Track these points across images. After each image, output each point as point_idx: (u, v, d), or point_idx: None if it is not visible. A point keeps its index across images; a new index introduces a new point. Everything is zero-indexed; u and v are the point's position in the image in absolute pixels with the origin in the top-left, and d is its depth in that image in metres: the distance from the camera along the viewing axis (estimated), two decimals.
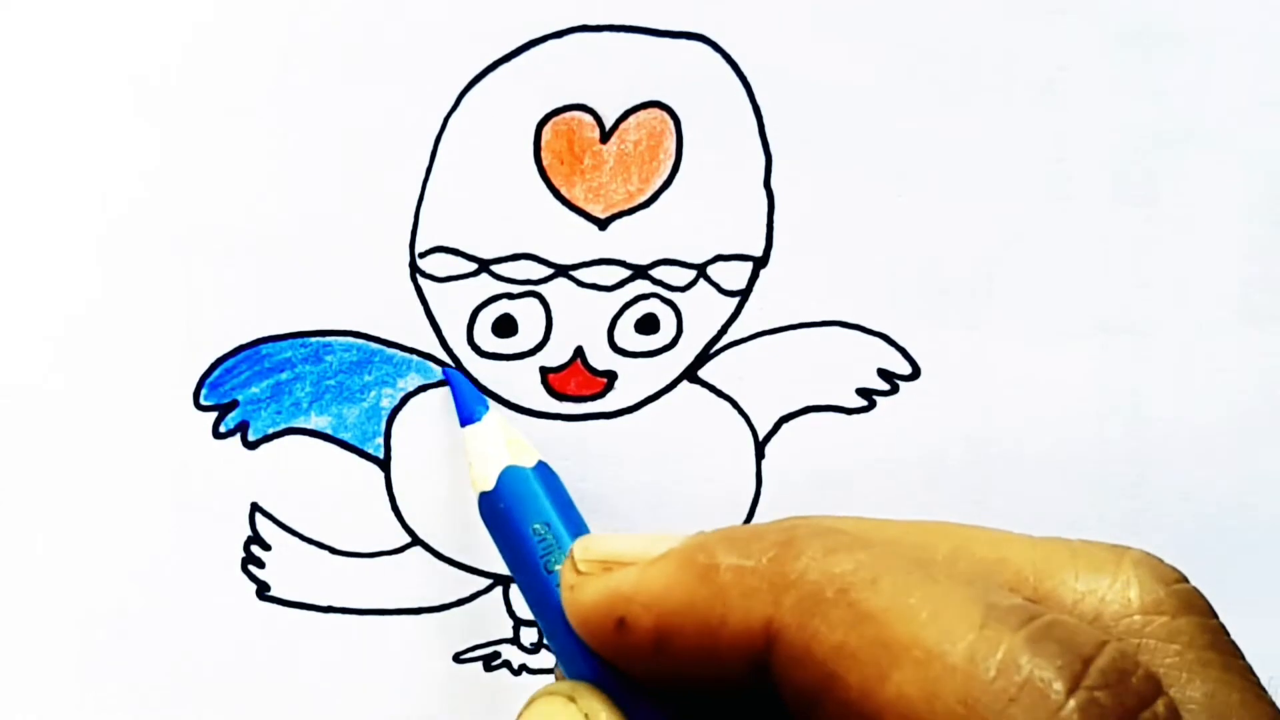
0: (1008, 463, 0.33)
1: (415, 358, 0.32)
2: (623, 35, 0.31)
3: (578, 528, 0.27)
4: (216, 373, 0.31)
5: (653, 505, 0.33)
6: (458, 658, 0.33)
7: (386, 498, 0.32)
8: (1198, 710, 0.19)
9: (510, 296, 0.32)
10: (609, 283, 0.32)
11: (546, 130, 0.31)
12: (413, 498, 0.32)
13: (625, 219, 0.31)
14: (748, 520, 0.33)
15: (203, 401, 0.31)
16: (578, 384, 0.32)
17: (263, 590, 0.32)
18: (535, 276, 0.31)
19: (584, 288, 0.32)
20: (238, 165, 0.30)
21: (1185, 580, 0.21)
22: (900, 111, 0.32)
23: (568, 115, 0.31)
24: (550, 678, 0.33)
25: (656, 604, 0.21)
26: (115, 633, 0.32)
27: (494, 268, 0.31)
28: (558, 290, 0.32)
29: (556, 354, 0.32)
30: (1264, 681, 0.20)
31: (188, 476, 0.31)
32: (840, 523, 0.22)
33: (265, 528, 0.32)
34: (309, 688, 0.32)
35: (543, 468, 0.29)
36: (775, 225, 0.32)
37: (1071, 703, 0.17)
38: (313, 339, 0.31)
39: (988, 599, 0.19)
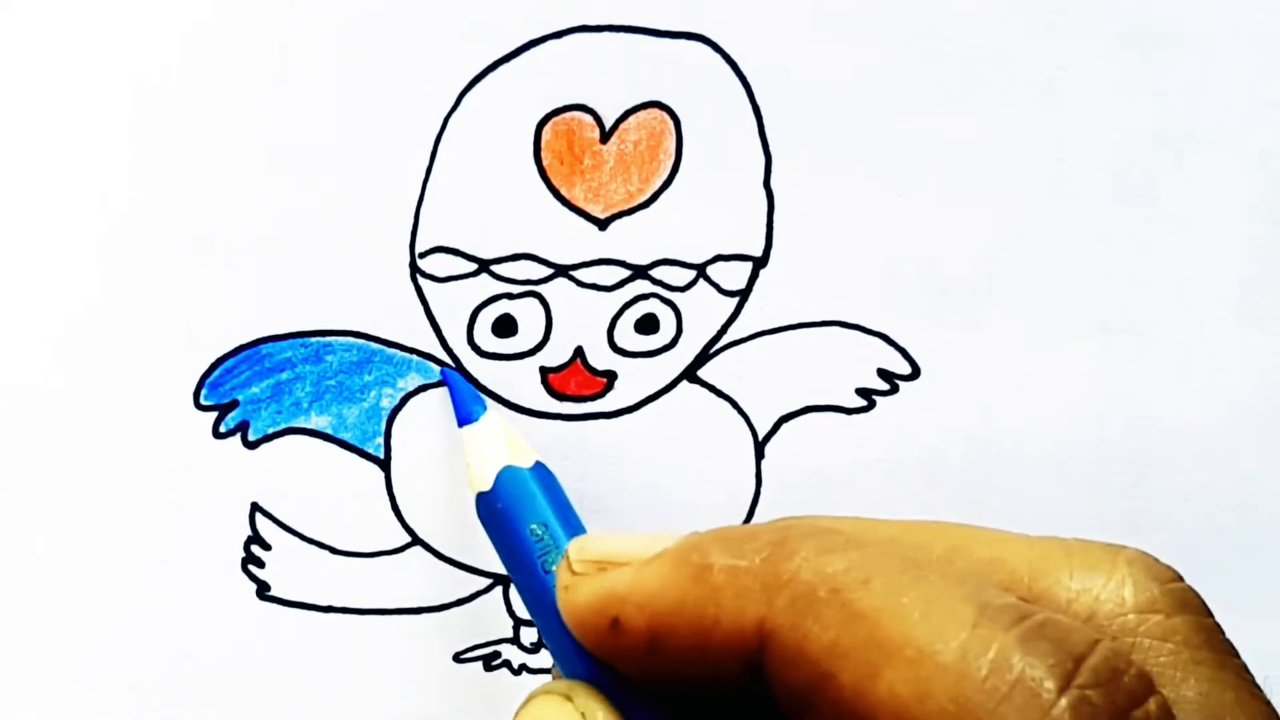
0: (1008, 463, 0.33)
1: (415, 358, 0.32)
2: (623, 35, 0.31)
3: (575, 528, 0.27)
4: (216, 373, 0.31)
5: (652, 505, 0.33)
6: (458, 658, 0.33)
7: (386, 498, 0.32)
8: (1192, 709, 0.19)
9: (510, 296, 0.32)
10: (609, 283, 0.32)
11: (546, 130, 0.31)
12: (413, 498, 0.32)
13: (625, 219, 0.32)
14: (747, 520, 0.33)
15: (203, 401, 0.31)
16: (578, 384, 0.32)
17: (263, 590, 0.32)
18: (535, 276, 0.31)
19: (584, 288, 0.32)
20: (238, 165, 0.30)
21: (1180, 579, 0.21)
22: (900, 111, 0.32)
23: (568, 115, 0.31)
24: (549, 677, 0.33)
25: (650, 604, 0.21)
26: (115, 633, 0.32)
27: (494, 268, 0.31)
28: (558, 290, 0.32)
29: (556, 354, 0.32)
30: (1260, 680, 0.20)
31: (188, 476, 0.31)
32: (835, 523, 0.22)
33: (265, 528, 0.32)
34: (309, 688, 0.32)
35: (540, 468, 0.29)
36: (775, 225, 0.32)
37: (1063, 701, 0.17)
38: (313, 339, 0.31)
39: (980, 598, 0.19)
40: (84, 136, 0.30)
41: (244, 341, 0.31)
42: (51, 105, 0.30)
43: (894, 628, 0.18)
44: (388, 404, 0.32)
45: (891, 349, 0.33)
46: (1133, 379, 0.33)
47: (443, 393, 0.32)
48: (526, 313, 0.32)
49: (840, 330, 0.33)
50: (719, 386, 0.33)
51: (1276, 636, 0.34)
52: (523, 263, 0.31)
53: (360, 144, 0.31)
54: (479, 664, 0.33)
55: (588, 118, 0.31)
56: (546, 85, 0.31)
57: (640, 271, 0.32)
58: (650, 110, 0.31)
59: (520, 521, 0.27)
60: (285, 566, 0.32)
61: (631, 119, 0.31)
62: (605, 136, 0.31)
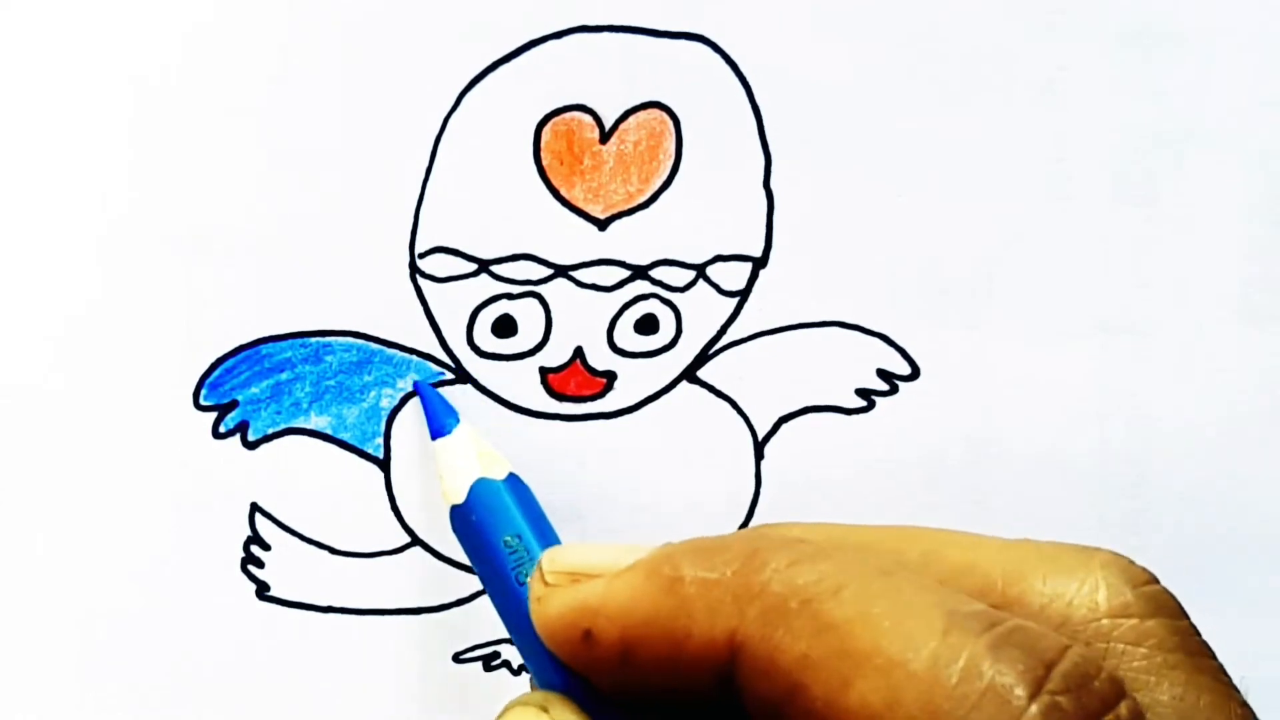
0: (1008, 463, 0.33)
1: (415, 358, 0.32)
2: (622, 35, 0.31)
3: (549, 539, 0.27)
4: (216, 373, 0.31)
5: (652, 505, 0.33)
6: (458, 658, 0.33)
7: (386, 498, 0.32)
8: (1166, 713, 0.19)
9: (510, 297, 0.32)
10: (608, 283, 0.32)
11: (546, 130, 0.31)
12: (413, 498, 0.32)
13: (625, 219, 0.31)
14: (747, 521, 0.33)
15: (203, 401, 0.31)
16: (577, 384, 0.32)
17: (262, 590, 0.32)
18: (535, 277, 0.31)
19: (584, 288, 0.32)
20: (238, 165, 0.30)
21: (1155, 581, 0.21)
22: (900, 111, 0.32)
23: (567, 115, 0.31)
24: None
25: (622, 616, 0.21)
26: (115, 633, 0.32)
27: (494, 268, 0.31)
28: (557, 290, 0.32)
29: (556, 354, 0.32)
30: (1236, 680, 0.20)
31: (188, 476, 0.31)
32: (807, 531, 0.22)
33: (265, 528, 0.32)
34: (309, 688, 0.32)
35: (514, 479, 0.29)
36: (775, 225, 0.32)
37: (1034, 708, 0.17)
38: (313, 339, 0.31)
39: (950, 605, 0.19)
40: (84, 137, 0.30)
41: (244, 342, 0.31)
42: (52, 105, 0.30)
43: (864, 637, 0.18)
44: (387, 404, 0.32)
45: (891, 349, 0.33)
46: (1133, 379, 0.33)
47: (442, 393, 0.32)
48: (526, 313, 0.32)
49: (840, 330, 0.33)
50: (719, 387, 0.33)
51: (1277, 637, 0.34)
52: (522, 263, 0.31)
53: (360, 144, 0.31)
54: (479, 664, 0.33)
55: (587, 118, 0.31)
56: (546, 85, 0.31)
57: (640, 272, 0.32)
58: (650, 110, 0.31)
59: (494, 533, 0.27)
60: (285, 567, 0.32)
61: (631, 119, 0.31)
62: (605, 137, 0.31)
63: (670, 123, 0.31)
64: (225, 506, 0.32)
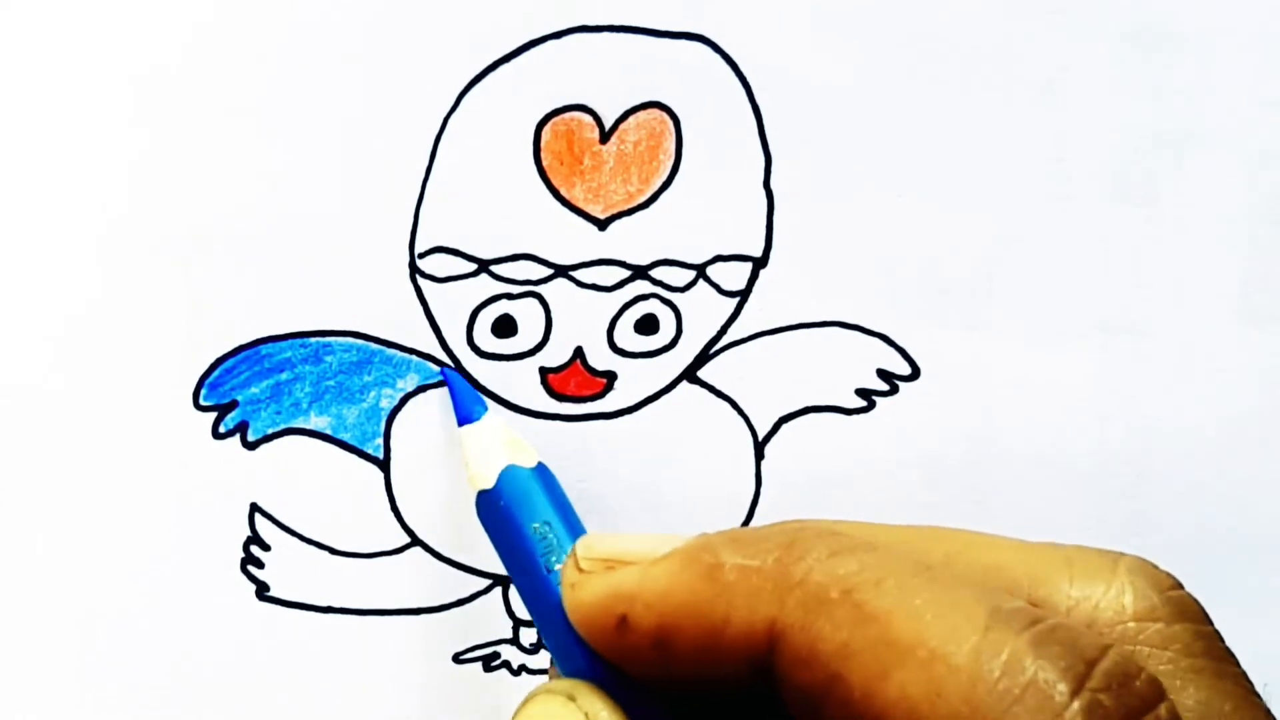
0: (1008, 463, 0.33)
1: (415, 358, 0.32)
2: (622, 35, 0.31)
3: (577, 529, 0.27)
4: (216, 373, 0.31)
5: (652, 505, 0.33)
6: (458, 658, 0.33)
7: (386, 498, 0.32)
8: (1191, 717, 0.19)
9: (510, 297, 0.32)
10: (608, 283, 0.32)
11: (546, 131, 0.31)
12: (412, 498, 0.32)
13: (625, 219, 0.31)
14: (747, 521, 0.33)
15: (202, 402, 0.31)
16: (577, 384, 0.32)
17: (262, 590, 0.32)
18: (535, 277, 0.31)
19: (584, 288, 0.32)
20: (238, 165, 0.30)
21: (1180, 586, 0.21)
22: (900, 111, 0.32)
23: (567, 115, 0.31)
24: (547, 678, 0.33)
25: (659, 603, 0.21)
26: (115, 633, 0.32)
27: (494, 268, 0.31)
28: (557, 290, 0.32)
29: (556, 354, 0.32)
30: (1260, 688, 0.20)
31: (188, 476, 0.31)
32: (843, 526, 0.22)
33: (265, 528, 0.32)
34: (309, 688, 0.32)
35: (543, 469, 0.29)
36: (775, 225, 0.32)
37: (1075, 704, 0.17)
38: (313, 339, 0.31)
39: (992, 602, 0.19)
40: (84, 137, 0.30)
41: (244, 342, 0.31)
42: (52, 105, 0.30)
43: (906, 629, 0.18)
44: (387, 404, 0.32)
45: (891, 349, 0.33)
46: (1133, 379, 0.33)
47: (442, 393, 0.32)
48: (526, 313, 0.32)
49: (840, 331, 0.33)
50: (719, 387, 0.33)
51: (1276, 637, 0.34)
52: (522, 263, 0.31)
53: (360, 144, 0.31)
54: (479, 664, 0.33)
55: (587, 118, 0.31)
56: (546, 85, 0.31)
57: (640, 272, 0.32)
58: (650, 110, 0.31)
59: (523, 520, 0.27)
60: (284, 567, 0.32)
61: (631, 119, 0.31)
62: (605, 137, 0.31)
63: (670, 123, 0.31)
64: (225, 507, 0.32)
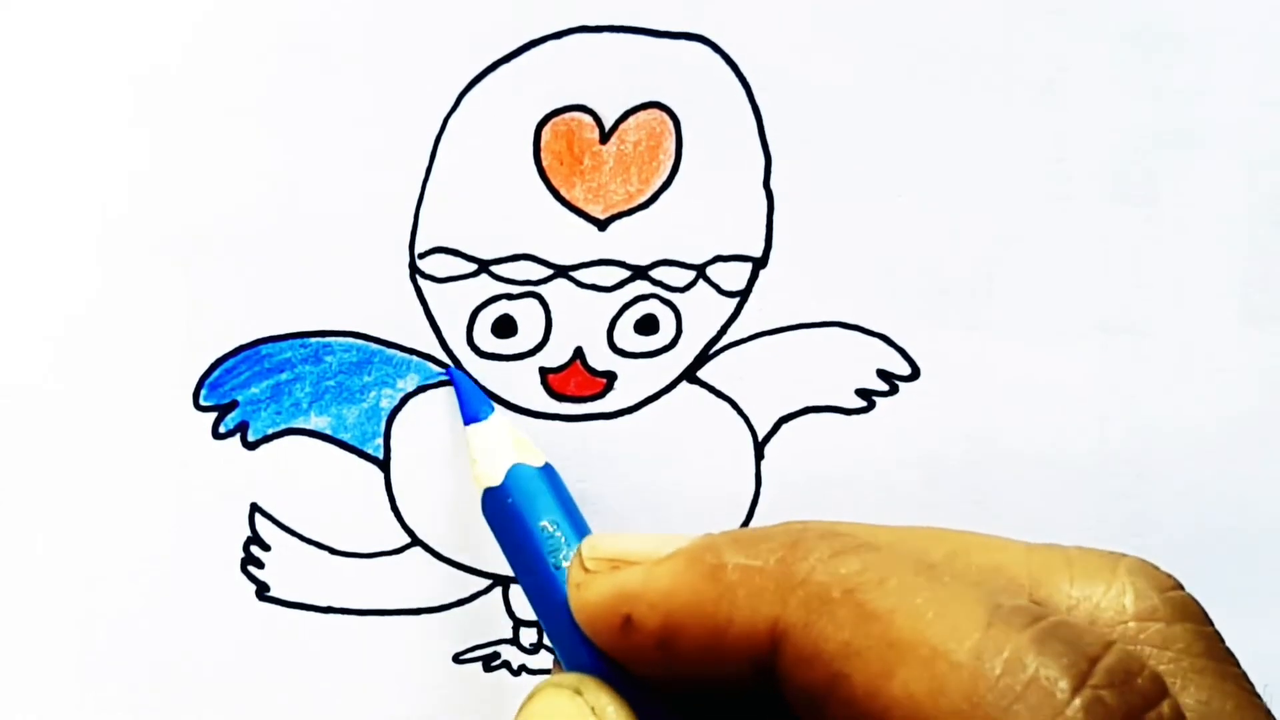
0: (1008, 463, 0.33)
1: (415, 358, 0.32)
2: (622, 36, 0.31)
3: (583, 529, 0.27)
4: (216, 373, 0.31)
5: (653, 505, 0.33)
6: (458, 658, 0.33)
7: (386, 498, 0.32)
8: (1193, 718, 0.19)
9: (510, 297, 0.32)
10: (608, 283, 0.32)
11: (546, 131, 0.31)
12: (412, 498, 0.32)
13: (625, 219, 0.31)
14: (747, 521, 0.33)
15: (202, 402, 0.31)
16: (577, 384, 0.32)
17: (262, 590, 0.32)
18: (535, 277, 0.31)
19: (583, 288, 0.32)
20: (237, 165, 0.30)
21: (1180, 587, 0.21)
22: (900, 111, 0.32)
23: (567, 116, 0.31)
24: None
25: (663, 602, 0.21)
26: (115, 633, 0.32)
27: (494, 268, 0.31)
28: (557, 291, 0.32)
29: (556, 354, 0.32)
30: (1260, 689, 0.20)
31: (188, 476, 0.31)
32: (845, 526, 0.22)
33: (265, 528, 0.32)
34: (309, 688, 0.32)
35: (549, 469, 0.29)
36: (775, 226, 0.32)
37: (1077, 701, 0.17)
38: (313, 339, 0.31)
39: (994, 600, 0.19)
40: (84, 137, 0.30)
41: (244, 342, 0.31)
42: (51, 105, 0.30)
43: (908, 627, 0.18)
44: (387, 404, 0.32)
45: (891, 349, 0.33)
46: (1133, 379, 0.33)
47: (443, 393, 0.32)
48: (526, 313, 0.32)
49: (840, 331, 0.33)
50: (719, 387, 0.33)
51: (1276, 638, 0.34)
52: (522, 263, 0.31)
53: (360, 144, 0.31)
54: (479, 664, 0.33)
55: (587, 118, 0.31)
56: (546, 86, 0.31)
57: (640, 272, 0.32)
58: (650, 111, 0.31)
59: (530, 518, 0.28)
60: (285, 567, 0.32)
61: (631, 119, 0.31)
62: (605, 137, 0.31)
63: (670, 123, 0.31)
64: (225, 507, 0.32)
